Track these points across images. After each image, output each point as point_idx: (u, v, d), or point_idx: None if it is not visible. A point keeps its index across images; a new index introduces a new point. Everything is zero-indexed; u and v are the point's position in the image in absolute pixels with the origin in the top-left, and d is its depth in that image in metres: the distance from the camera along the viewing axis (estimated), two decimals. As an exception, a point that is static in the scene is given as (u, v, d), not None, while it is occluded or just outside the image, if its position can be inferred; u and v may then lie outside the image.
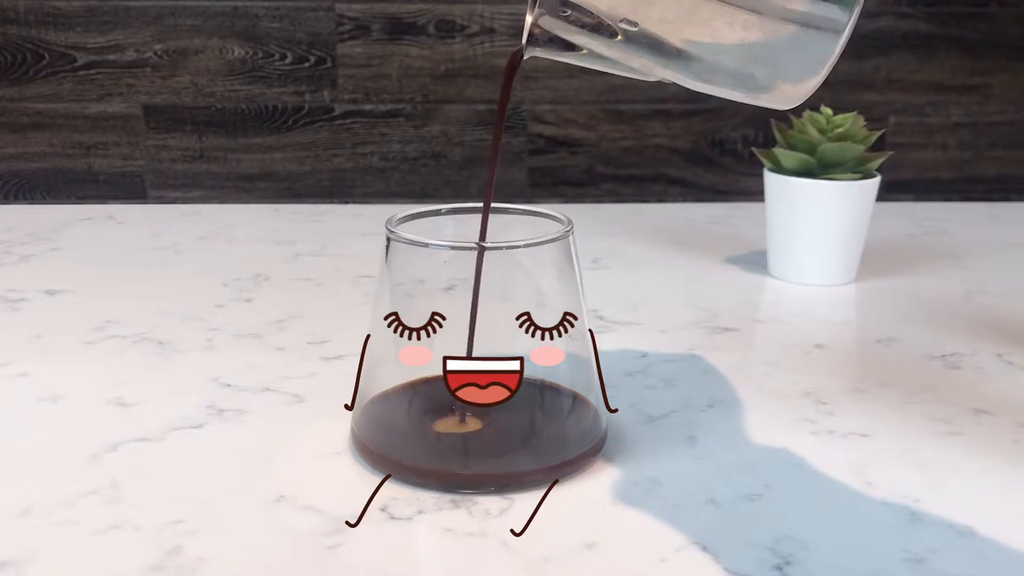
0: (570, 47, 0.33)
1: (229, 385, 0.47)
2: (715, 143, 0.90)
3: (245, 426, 0.42)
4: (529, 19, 0.33)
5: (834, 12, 0.30)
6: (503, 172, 0.89)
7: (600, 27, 0.32)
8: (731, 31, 0.31)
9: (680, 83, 0.34)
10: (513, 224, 0.41)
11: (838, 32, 0.30)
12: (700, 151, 0.90)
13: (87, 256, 0.71)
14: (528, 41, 0.33)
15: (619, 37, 0.32)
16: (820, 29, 0.30)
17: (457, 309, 0.37)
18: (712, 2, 0.30)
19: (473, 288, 0.37)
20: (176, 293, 0.62)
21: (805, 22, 0.30)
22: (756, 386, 0.48)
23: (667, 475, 0.38)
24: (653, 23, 0.31)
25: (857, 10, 0.30)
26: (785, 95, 0.33)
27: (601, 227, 0.80)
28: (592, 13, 0.31)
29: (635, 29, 0.31)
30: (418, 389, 0.39)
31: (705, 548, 0.33)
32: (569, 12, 0.32)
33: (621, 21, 0.31)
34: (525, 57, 0.35)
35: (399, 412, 0.40)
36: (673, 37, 0.31)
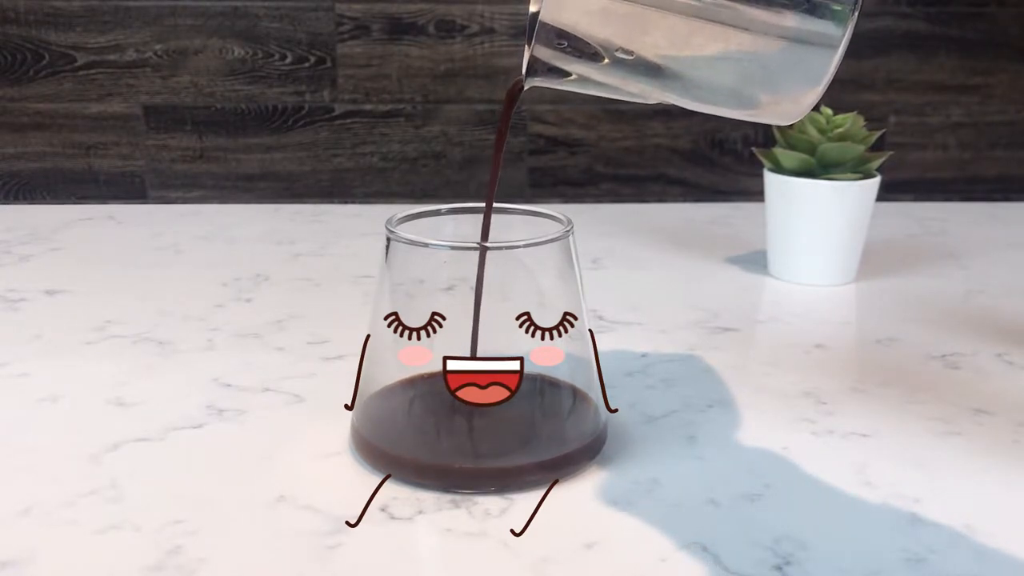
0: (569, 76, 0.34)
1: (229, 385, 0.47)
2: (715, 143, 0.90)
3: (245, 426, 0.42)
4: (528, 51, 0.33)
5: (828, 28, 0.30)
6: (503, 172, 0.89)
7: (596, 56, 0.32)
8: (727, 53, 0.31)
9: (680, 104, 0.34)
10: (513, 224, 0.41)
11: (833, 47, 0.30)
12: (700, 151, 0.90)
13: (87, 256, 0.71)
14: (527, 72, 0.34)
15: (616, 65, 0.32)
16: (815, 45, 0.30)
17: (457, 309, 0.37)
18: (707, 26, 0.30)
19: (476, 289, 0.37)
20: (176, 293, 0.62)
21: (800, 39, 0.30)
22: (756, 386, 0.48)
23: (667, 475, 0.38)
24: (649, 51, 0.31)
25: (851, 24, 0.30)
26: (785, 112, 0.33)
27: (601, 227, 0.80)
28: (588, 43, 0.32)
29: (631, 58, 0.31)
30: (419, 384, 0.39)
31: (705, 548, 0.33)
32: (565, 43, 0.32)
33: (617, 50, 0.31)
34: (525, 88, 0.35)
35: (400, 407, 0.40)
36: (670, 62, 0.32)
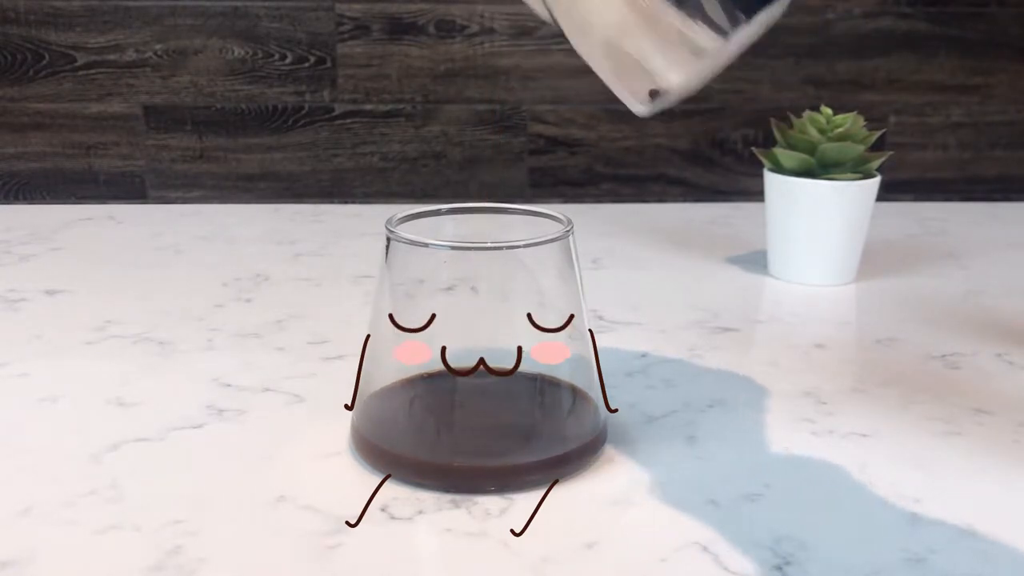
0: None
1: (229, 385, 0.47)
2: (715, 143, 0.90)
3: (245, 426, 0.42)
4: None
5: (704, 36, 0.29)
6: (503, 172, 0.89)
7: None
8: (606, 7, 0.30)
9: (559, 29, 0.33)
10: (513, 224, 0.41)
11: (699, 56, 0.30)
12: (700, 151, 0.90)
13: (87, 256, 0.71)
14: None
15: None
16: (687, 48, 0.30)
17: (457, 309, 0.37)
18: None
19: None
20: (176, 293, 0.62)
21: (672, 37, 0.30)
22: (756, 386, 0.48)
23: (667, 475, 0.38)
24: None
25: (728, 44, 0.29)
26: (637, 95, 0.32)
27: (601, 227, 0.80)
28: None
29: None
30: (419, 384, 0.39)
31: (705, 548, 0.33)
32: None
33: None
34: None
35: (400, 407, 0.40)
36: None
